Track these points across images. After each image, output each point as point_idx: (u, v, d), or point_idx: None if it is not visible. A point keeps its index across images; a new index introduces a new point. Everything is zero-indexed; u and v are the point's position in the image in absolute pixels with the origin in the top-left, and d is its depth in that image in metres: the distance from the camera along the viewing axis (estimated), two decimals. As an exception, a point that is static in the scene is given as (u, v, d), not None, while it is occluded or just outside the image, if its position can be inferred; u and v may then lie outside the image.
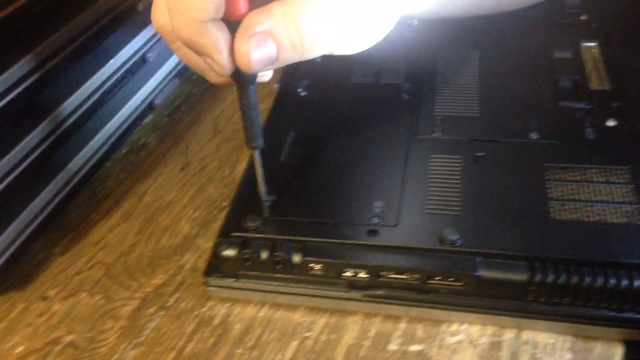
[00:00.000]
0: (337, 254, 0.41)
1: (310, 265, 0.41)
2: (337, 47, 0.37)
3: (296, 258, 0.41)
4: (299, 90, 0.56)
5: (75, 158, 0.52)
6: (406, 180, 0.45)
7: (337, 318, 0.42)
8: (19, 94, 0.46)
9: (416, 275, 0.40)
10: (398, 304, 0.41)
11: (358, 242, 0.41)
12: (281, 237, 0.42)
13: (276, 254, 0.41)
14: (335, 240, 0.41)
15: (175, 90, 0.65)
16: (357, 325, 0.41)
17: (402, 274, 0.40)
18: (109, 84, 0.55)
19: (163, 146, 0.59)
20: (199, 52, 0.36)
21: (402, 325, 0.41)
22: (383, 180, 0.46)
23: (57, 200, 0.50)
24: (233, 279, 0.43)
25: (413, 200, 0.44)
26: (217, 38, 0.35)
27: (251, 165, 0.49)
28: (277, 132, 0.52)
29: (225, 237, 0.43)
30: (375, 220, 0.42)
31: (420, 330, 0.41)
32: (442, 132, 0.50)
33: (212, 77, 0.40)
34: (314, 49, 0.36)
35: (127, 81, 0.58)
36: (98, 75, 0.53)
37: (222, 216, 0.50)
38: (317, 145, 0.50)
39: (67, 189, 0.52)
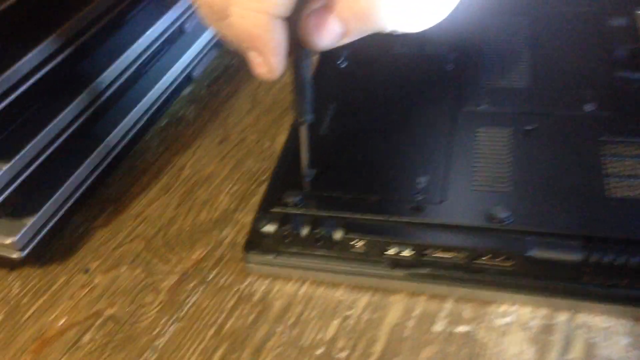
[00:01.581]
0: (380, 231, 0.39)
1: (352, 242, 0.40)
2: (404, 23, 0.34)
3: (337, 235, 0.40)
4: (339, 61, 0.55)
5: (114, 131, 0.52)
6: (452, 155, 0.43)
7: (380, 297, 0.41)
8: (56, 66, 0.46)
9: (463, 254, 0.38)
10: (444, 283, 0.40)
11: (402, 219, 0.40)
12: (322, 213, 0.41)
13: (317, 230, 0.40)
14: (378, 217, 0.40)
15: (213, 62, 0.64)
16: (400, 305, 0.40)
17: (448, 252, 0.39)
18: (146, 55, 0.54)
19: (202, 118, 0.58)
20: (251, 47, 0.33)
21: (448, 305, 0.40)
22: (428, 155, 0.44)
23: (96, 173, 0.50)
24: (273, 255, 0.42)
25: (459, 176, 0.42)
26: (278, 38, 0.32)
27: (291, 139, 0.48)
28: (318, 105, 0.50)
29: (264, 212, 0.42)
30: (420, 196, 0.41)
31: (467, 310, 0.39)
32: (489, 104, 0.48)
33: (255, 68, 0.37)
34: (381, 24, 0.33)
35: (164, 52, 0.57)
36: (135, 46, 0.53)
37: (261, 190, 0.49)
38: (359, 118, 0.48)
39: (107, 161, 0.51)
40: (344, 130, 0.47)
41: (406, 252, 0.39)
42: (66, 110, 0.47)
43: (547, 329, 0.37)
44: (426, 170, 0.43)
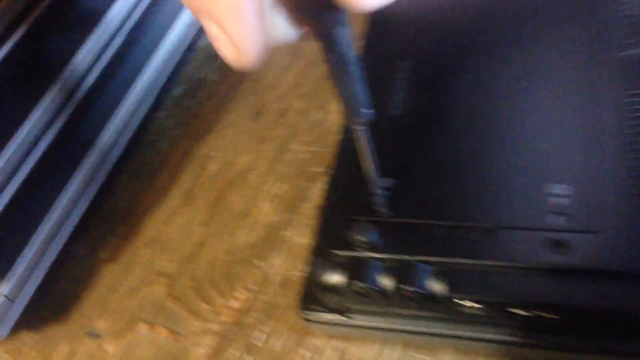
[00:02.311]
0: (502, 286, 0.26)
1: (461, 302, 0.27)
2: None
3: (437, 291, 0.27)
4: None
5: (111, 119, 0.38)
6: (600, 141, 0.29)
7: (505, 367, 0.28)
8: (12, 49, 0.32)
9: None
10: (609, 356, 0.27)
11: (535, 265, 0.26)
12: (410, 255, 0.27)
13: (405, 284, 0.27)
14: (496, 262, 0.26)
15: None
16: (537, 381, 0.27)
17: (615, 316, 0.25)
18: (137, 10, 0.40)
19: (227, 81, 0.43)
20: (205, 12, 0.20)
21: (610, 381, 0.27)
22: (563, 143, 0.29)
23: (95, 184, 0.38)
24: (343, 315, 0.29)
25: (621, 178, 0.27)
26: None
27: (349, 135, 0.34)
28: (383, 65, 0.35)
29: (323, 254, 0.29)
30: (559, 221, 0.27)
31: (641, 390, 0.26)
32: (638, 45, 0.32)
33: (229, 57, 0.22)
34: None
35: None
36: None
37: (315, 191, 0.35)
38: (450, 82, 0.33)
39: (107, 165, 0.38)
40: (428, 104, 0.33)
41: (546, 314, 0.26)
42: (37, 111, 0.34)
43: None
44: (565, 172, 0.28)
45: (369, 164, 0.28)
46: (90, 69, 0.37)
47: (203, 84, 0.44)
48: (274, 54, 0.43)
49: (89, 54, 0.36)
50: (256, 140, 0.39)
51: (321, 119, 0.39)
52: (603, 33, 0.32)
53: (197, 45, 0.46)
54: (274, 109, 0.41)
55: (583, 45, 0.32)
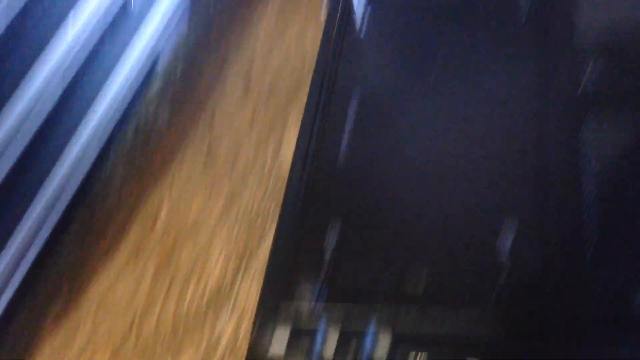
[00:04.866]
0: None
1: (406, 371, 0.25)
2: None
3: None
4: (356, 13, 0.37)
5: (53, 173, 0.37)
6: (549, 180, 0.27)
7: None
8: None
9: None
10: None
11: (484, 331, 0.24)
12: (360, 327, 0.26)
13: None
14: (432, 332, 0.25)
15: (188, 32, 0.47)
16: None
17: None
18: (80, 49, 0.38)
19: (180, 121, 0.42)
20: None
21: None
22: (508, 182, 0.27)
23: (40, 237, 0.36)
24: (289, 385, 0.28)
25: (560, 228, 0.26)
26: None
27: (299, 162, 0.32)
28: (332, 99, 0.34)
29: (266, 325, 0.27)
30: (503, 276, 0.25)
31: None
32: (595, 78, 0.30)
33: None
34: None
35: (109, 42, 0.41)
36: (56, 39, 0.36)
37: (264, 249, 0.34)
38: (403, 115, 0.32)
39: (54, 217, 0.37)
40: (380, 142, 0.31)
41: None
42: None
43: None
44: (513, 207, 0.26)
45: None
46: (34, 112, 0.35)
47: (154, 126, 0.42)
48: (228, 85, 0.42)
49: (36, 99, 0.35)
50: (208, 192, 0.38)
51: (274, 158, 0.38)
52: (555, 70, 0.31)
53: (146, 84, 0.44)
54: (226, 150, 0.39)
55: (535, 81, 0.31)
